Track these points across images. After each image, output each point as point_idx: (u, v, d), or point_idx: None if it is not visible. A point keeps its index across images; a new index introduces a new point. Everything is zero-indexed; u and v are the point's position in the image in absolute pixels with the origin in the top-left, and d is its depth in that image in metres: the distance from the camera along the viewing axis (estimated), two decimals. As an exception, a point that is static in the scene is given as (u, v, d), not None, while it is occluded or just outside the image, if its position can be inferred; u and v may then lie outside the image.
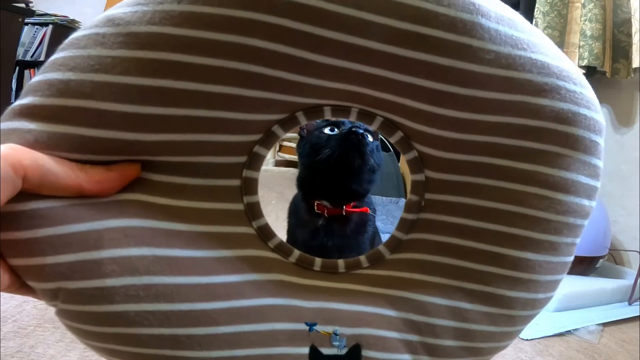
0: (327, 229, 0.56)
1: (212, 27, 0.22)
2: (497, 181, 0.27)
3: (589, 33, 1.19)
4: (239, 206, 0.26)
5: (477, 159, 0.27)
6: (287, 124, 0.27)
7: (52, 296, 0.21)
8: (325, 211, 0.55)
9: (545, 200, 0.26)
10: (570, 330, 0.84)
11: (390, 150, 1.62)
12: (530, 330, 0.81)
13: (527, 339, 0.79)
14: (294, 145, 2.51)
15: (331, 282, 0.28)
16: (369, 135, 0.54)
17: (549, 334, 0.81)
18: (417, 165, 0.28)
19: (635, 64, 1.17)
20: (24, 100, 0.21)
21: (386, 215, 1.37)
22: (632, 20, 1.19)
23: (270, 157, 2.48)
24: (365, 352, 0.26)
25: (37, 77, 0.22)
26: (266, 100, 0.24)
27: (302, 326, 0.25)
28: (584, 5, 1.21)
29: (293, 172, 2.35)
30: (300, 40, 0.23)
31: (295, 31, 0.22)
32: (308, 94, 0.25)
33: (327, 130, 0.54)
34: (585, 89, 0.26)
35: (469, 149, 0.27)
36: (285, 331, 0.25)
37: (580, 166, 0.26)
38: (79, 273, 0.21)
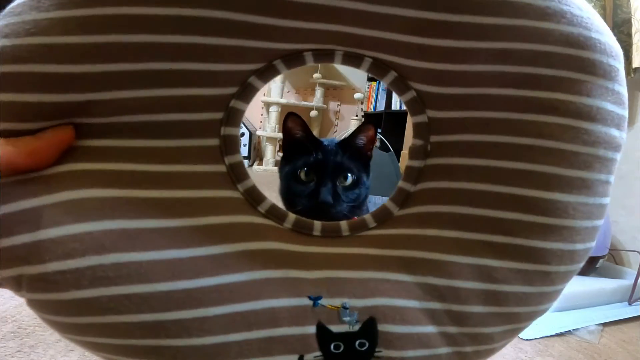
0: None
1: None
2: (510, 113, 0.23)
3: (589, 33, 1.19)
4: (220, 168, 0.24)
5: (483, 91, 0.24)
6: (265, 73, 0.24)
7: (15, 285, 0.20)
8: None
9: (569, 130, 0.23)
10: (570, 330, 0.84)
11: (390, 151, 1.62)
12: (530, 330, 0.81)
13: (527, 339, 0.79)
14: (294, 145, 2.51)
15: (335, 247, 0.24)
16: (349, 176, 0.53)
17: (549, 334, 0.81)
18: (417, 105, 0.25)
19: (635, 64, 1.17)
20: None
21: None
22: (632, 20, 1.19)
23: (270, 157, 2.48)
24: (381, 327, 0.22)
25: None
26: (236, 49, 0.22)
27: (305, 301, 0.22)
28: (584, 5, 1.21)
29: (293, 172, 2.35)
30: None
31: None
32: (284, 38, 0.23)
33: (303, 176, 0.53)
34: (593, 16, 0.23)
35: (472, 81, 0.24)
36: (285, 308, 0.22)
37: (603, 92, 0.23)
38: (36, 256, 0.19)
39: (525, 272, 0.23)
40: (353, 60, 0.25)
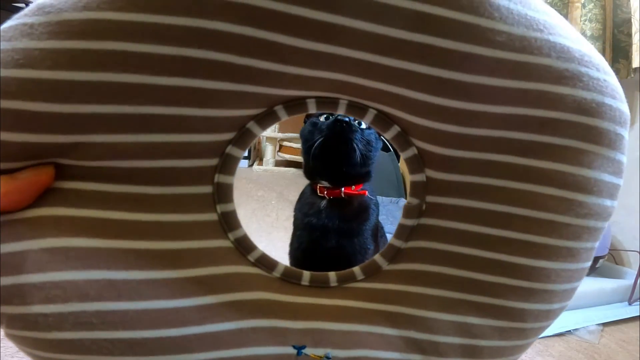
0: (329, 211, 0.59)
1: (162, 10, 0.19)
2: (509, 181, 0.23)
3: (589, 33, 1.19)
4: (211, 216, 0.23)
5: (486, 156, 0.23)
6: (265, 119, 0.23)
7: None
8: (326, 192, 0.59)
9: (564, 202, 0.23)
10: (570, 330, 0.84)
11: (390, 150, 1.62)
12: (530, 330, 0.81)
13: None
14: (294, 145, 2.51)
15: (322, 298, 0.25)
16: (363, 123, 0.56)
17: (549, 334, 0.81)
18: (416, 164, 0.25)
19: (635, 64, 1.17)
20: None
21: (386, 215, 1.37)
22: (632, 20, 1.19)
23: (270, 157, 2.48)
24: None
25: None
26: (236, 93, 0.21)
27: (289, 349, 0.22)
28: (584, 5, 1.21)
29: (293, 172, 2.35)
30: (271, 22, 0.19)
31: (265, 11, 0.19)
32: (287, 84, 0.22)
33: (322, 119, 0.59)
34: (609, 77, 0.23)
35: (476, 145, 0.23)
36: (270, 356, 0.22)
37: (604, 163, 0.23)
38: (18, 298, 0.19)
39: (503, 329, 0.24)
40: (357, 110, 0.24)
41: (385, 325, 0.24)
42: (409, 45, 0.20)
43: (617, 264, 1.23)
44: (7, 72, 0.18)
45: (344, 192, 0.59)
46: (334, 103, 0.24)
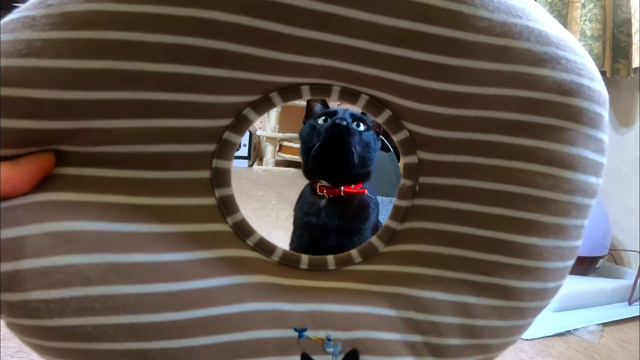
0: (328, 210, 0.59)
1: (161, 0, 0.19)
2: (497, 160, 0.24)
3: (589, 33, 1.19)
4: (210, 201, 0.23)
5: (474, 136, 0.24)
6: (261, 106, 0.24)
7: None
8: (325, 191, 0.59)
9: (550, 178, 0.24)
10: (570, 330, 0.84)
11: (390, 151, 1.62)
12: (530, 330, 0.81)
13: (527, 339, 0.79)
14: (294, 145, 2.51)
15: (321, 281, 0.25)
16: (362, 125, 0.58)
17: (549, 334, 0.81)
18: (408, 146, 0.26)
19: (635, 64, 1.17)
20: None
21: (386, 215, 1.37)
22: (632, 20, 1.19)
23: (270, 157, 2.48)
24: (363, 358, 0.23)
25: None
26: (233, 80, 0.22)
27: (291, 332, 0.23)
28: (584, 5, 1.21)
29: (293, 172, 2.35)
30: (266, 11, 0.20)
31: (261, 0, 0.20)
32: (282, 71, 0.22)
33: (320, 121, 0.59)
34: (585, 60, 0.24)
35: (465, 125, 0.24)
36: (271, 339, 0.22)
37: (586, 141, 0.24)
38: (19, 284, 0.19)
39: (500, 308, 0.25)
40: (349, 96, 0.25)
41: (385, 306, 0.24)
42: (399, 32, 0.21)
43: (617, 264, 1.23)
44: (10, 62, 0.18)
45: (344, 191, 0.59)
46: (327, 89, 0.24)
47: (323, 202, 0.60)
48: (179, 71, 0.20)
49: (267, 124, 2.52)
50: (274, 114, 2.48)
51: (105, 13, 0.19)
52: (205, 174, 0.23)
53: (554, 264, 0.25)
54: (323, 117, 0.59)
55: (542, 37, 0.22)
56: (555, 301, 0.97)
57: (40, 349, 0.20)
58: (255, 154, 2.71)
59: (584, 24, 1.21)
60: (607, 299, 1.01)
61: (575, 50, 0.23)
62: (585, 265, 1.10)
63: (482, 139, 0.24)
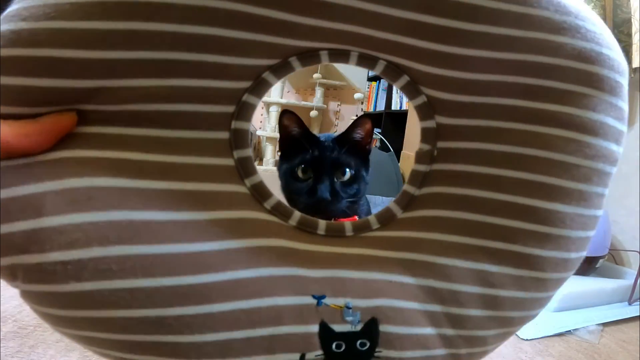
0: None
1: None
2: (517, 123, 0.24)
3: (589, 33, 1.19)
4: (228, 161, 0.23)
5: (493, 100, 0.24)
6: (280, 70, 0.24)
7: (10, 275, 0.19)
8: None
9: (572, 142, 0.23)
10: (570, 330, 0.84)
11: (390, 150, 1.62)
12: (530, 330, 0.81)
13: (527, 339, 0.79)
14: (294, 145, 2.50)
15: (338, 247, 0.25)
16: (347, 171, 0.53)
17: (549, 334, 0.81)
18: (426, 110, 0.25)
19: (635, 64, 1.17)
20: None
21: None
22: (632, 20, 1.19)
23: (270, 157, 2.48)
24: (383, 327, 0.22)
25: None
26: (254, 43, 0.22)
27: (309, 299, 0.22)
28: (584, 5, 1.21)
29: (293, 172, 2.35)
30: None
31: None
32: (302, 35, 0.23)
33: (300, 173, 0.52)
34: (604, 31, 0.24)
35: (483, 89, 0.24)
36: (289, 306, 0.22)
37: (607, 107, 0.24)
38: (36, 244, 0.18)
39: (521, 278, 0.24)
40: (367, 62, 0.25)
41: (404, 274, 0.24)
42: None
43: (617, 264, 1.23)
44: (37, 24, 0.19)
45: (334, 220, 0.57)
46: (346, 54, 0.24)
47: None
48: (202, 32, 0.21)
49: (267, 124, 2.52)
50: (274, 114, 2.48)
51: None
52: (224, 134, 0.23)
53: (576, 233, 0.24)
54: (302, 166, 0.52)
55: (561, 7, 0.23)
56: (555, 301, 0.97)
57: (54, 319, 0.20)
58: (255, 154, 2.71)
59: (584, 24, 1.21)
60: (607, 299, 1.01)
61: (594, 22, 0.24)
62: (585, 265, 1.10)
63: (501, 103, 0.24)
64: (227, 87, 0.23)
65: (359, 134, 0.55)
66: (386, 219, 0.26)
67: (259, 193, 0.24)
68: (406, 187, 0.26)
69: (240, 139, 0.24)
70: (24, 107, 0.19)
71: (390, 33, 0.23)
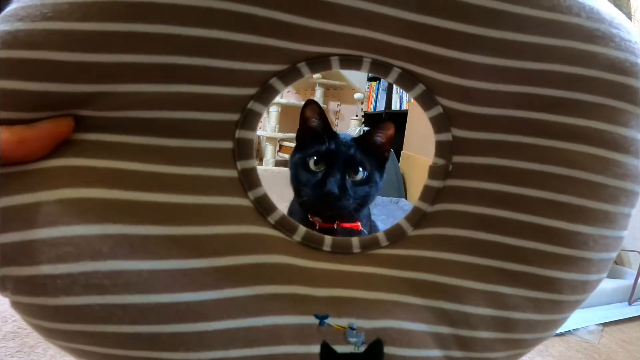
0: None
1: None
2: (540, 139, 0.22)
3: (589, 33, 1.19)
4: (231, 173, 0.22)
5: (515, 113, 0.23)
6: (288, 76, 0.23)
7: (0, 285, 0.18)
8: (318, 225, 0.55)
9: (600, 161, 0.22)
10: (570, 330, 0.84)
11: (391, 150, 1.61)
12: (530, 330, 0.81)
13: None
14: (294, 145, 2.51)
15: (344, 264, 0.23)
16: (361, 171, 0.51)
17: (549, 334, 0.81)
18: (442, 122, 0.24)
19: (635, 64, 1.17)
20: None
21: (386, 215, 1.37)
22: (632, 20, 1.19)
23: (270, 157, 2.48)
24: (387, 349, 0.22)
25: None
26: (261, 47, 0.21)
27: (311, 319, 0.21)
28: (584, 5, 1.22)
29: (293, 172, 2.35)
30: None
31: None
32: (311, 40, 0.21)
33: (312, 164, 0.51)
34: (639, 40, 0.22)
35: (505, 101, 0.22)
36: (290, 326, 0.21)
37: None
38: (26, 257, 0.18)
39: (537, 300, 0.23)
40: (381, 69, 0.23)
41: (412, 294, 0.23)
42: (437, 1, 0.20)
43: (617, 264, 1.23)
44: (34, 25, 0.18)
45: (337, 225, 0.55)
46: (358, 61, 0.23)
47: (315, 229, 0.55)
48: (205, 35, 0.20)
49: (267, 124, 2.52)
50: (274, 114, 2.48)
51: None
52: (227, 144, 0.22)
53: (598, 255, 0.22)
54: (315, 158, 0.51)
55: (594, 14, 0.21)
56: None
57: (44, 331, 0.19)
58: (255, 154, 2.71)
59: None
60: (607, 299, 1.01)
61: (629, 30, 0.22)
62: (585, 265, 1.10)
63: (523, 117, 0.22)
64: (232, 94, 0.22)
65: (379, 137, 0.53)
66: (395, 236, 0.25)
67: (263, 207, 0.23)
68: (418, 203, 0.25)
69: (245, 149, 0.22)
70: (19, 112, 0.19)
71: (406, 38, 0.21)
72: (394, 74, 0.23)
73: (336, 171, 0.49)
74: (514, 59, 0.21)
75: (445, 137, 0.24)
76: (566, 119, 0.22)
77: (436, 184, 0.24)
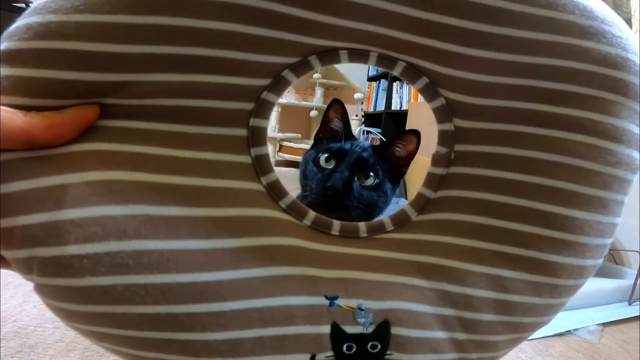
0: None
1: None
2: (537, 128, 0.24)
3: (589, 33, 1.19)
4: (245, 159, 0.23)
5: (514, 104, 0.24)
6: (299, 68, 0.24)
7: (26, 268, 0.19)
8: None
9: (594, 149, 0.23)
10: (570, 330, 0.84)
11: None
12: (530, 330, 0.81)
13: (527, 339, 0.79)
14: (294, 145, 2.51)
15: (352, 248, 0.24)
16: (372, 176, 0.47)
17: (549, 334, 0.81)
18: (444, 113, 0.25)
19: (635, 64, 1.17)
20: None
21: (386, 215, 1.37)
22: (632, 20, 1.19)
23: (270, 157, 2.48)
24: (394, 330, 0.22)
25: (15, 23, 0.20)
26: (275, 40, 0.22)
27: (322, 300, 0.22)
28: (584, 5, 1.22)
29: (293, 172, 2.35)
30: None
31: None
32: (322, 34, 0.23)
33: (322, 160, 0.48)
34: (631, 36, 0.24)
35: (503, 93, 0.24)
36: (302, 306, 0.22)
37: (631, 114, 0.23)
38: (54, 237, 0.18)
39: (536, 283, 0.24)
40: (387, 62, 0.25)
41: (417, 277, 0.24)
42: None
43: (617, 264, 1.23)
44: (66, 17, 0.19)
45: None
46: (365, 55, 0.24)
47: None
48: (225, 28, 0.21)
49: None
50: (274, 114, 2.48)
51: None
52: (242, 131, 0.23)
53: (593, 240, 0.24)
54: (327, 155, 0.48)
55: (587, 12, 0.22)
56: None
57: (66, 314, 0.20)
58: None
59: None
60: (607, 299, 1.01)
61: (620, 27, 0.23)
62: (585, 265, 1.10)
63: (521, 107, 0.24)
64: (247, 84, 0.23)
65: (399, 149, 0.50)
66: (401, 221, 0.26)
67: (275, 191, 0.24)
68: (422, 189, 0.26)
69: (258, 136, 0.24)
70: (49, 99, 0.19)
71: (411, 34, 0.23)
72: (399, 67, 0.25)
73: (345, 169, 0.46)
74: (513, 54, 0.22)
75: (448, 126, 0.25)
76: (562, 109, 0.23)
77: (439, 171, 0.25)
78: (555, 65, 0.23)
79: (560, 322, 0.86)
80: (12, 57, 0.19)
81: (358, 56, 0.24)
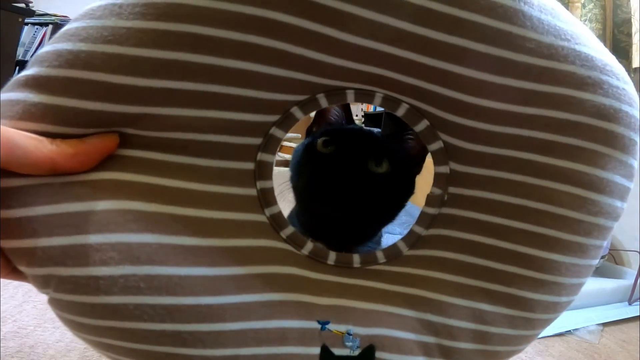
0: None
1: None
2: (528, 177, 0.25)
3: (589, 33, 1.19)
4: (251, 191, 0.25)
5: (508, 152, 0.25)
6: (307, 105, 0.25)
7: (44, 284, 0.20)
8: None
9: (577, 199, 0.24)
10: (570, 330, 0.84)
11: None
12: (530, 330, 0.81)
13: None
14: (294, 145, 2.50)
15: (345, 277, 0.26)
16: (384, 163, 0.35)
17: (549, 334, 0.81)
18: (441, 156, 0.26)
19: (635, 64, 1.17)
20: (29, 71, 0.20)
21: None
22: (632, 20, 1.19)
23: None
24: (379, 354, 0.24)
25: (45, 48, 0.20)
26: (286, 79, 0.23)
27: (314, 324, 0.24)
28: (584, 5, 1.21)
29: (293, 172, 2.35)
30: (326, 17, 0.21)
31: (321, 7, 0.21)
32: (331, 74, 0.24)
33: (320, 144, 0.36)
34: (627, 85, 0.24)
35: (500, 141, 0.25)
36: (295, 329, 0.23)
37: (617, 165, 0.24)
38: (73, 259, 0.19)
39: (513, 317, 0.26)
40: (391, 103, 0.25)
41: (404, 307, 0.25)
42: (445, 46, 0.22)
43: (617, 264, 1.23)
44: (95, 47, 0.20)
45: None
46: (371, 95, 0.25)
47: None
48: (241, 67, 0.22)
49: (267, 124, 2.52)
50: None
51: (184, 6, 0.20)
52: (249, 165, 0.25)
53: (569, 280, 0.25)
54: (324, 139, 0.36)
55: (588, 61, 0.23)
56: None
57: (76, 326, 0.21)
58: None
59: (584, 23, 1.21)
60: (607, 299, 1.01)
61: (618, 76, 0.24)
62: (585, 265, 1.10)
63: (515, 156, 0.25)
64: (257, 120, 0.24)
65: (411, 141, 0.39)
66: (392, 254, 0.27)
67: (277, 223, 0.25)
68: (414, 227, 0.27)
69: (264, 170, 0.25)
70: (74, 127, 0.20)
71: (416, 79, 0.23)
72: (402, 109, 0.26)
73: (350, 152, 0.34)
74: (512, 104, 0.23)
75: (444, 169, 0.27)
76: (553, 160, 0.24)
77: (432, 211, 0.27)
78: (551, 116, 0.24)
79: (560, 322, 0.85)
80: (41, 84, 0.19)
81: (364, 96, 0.25)
